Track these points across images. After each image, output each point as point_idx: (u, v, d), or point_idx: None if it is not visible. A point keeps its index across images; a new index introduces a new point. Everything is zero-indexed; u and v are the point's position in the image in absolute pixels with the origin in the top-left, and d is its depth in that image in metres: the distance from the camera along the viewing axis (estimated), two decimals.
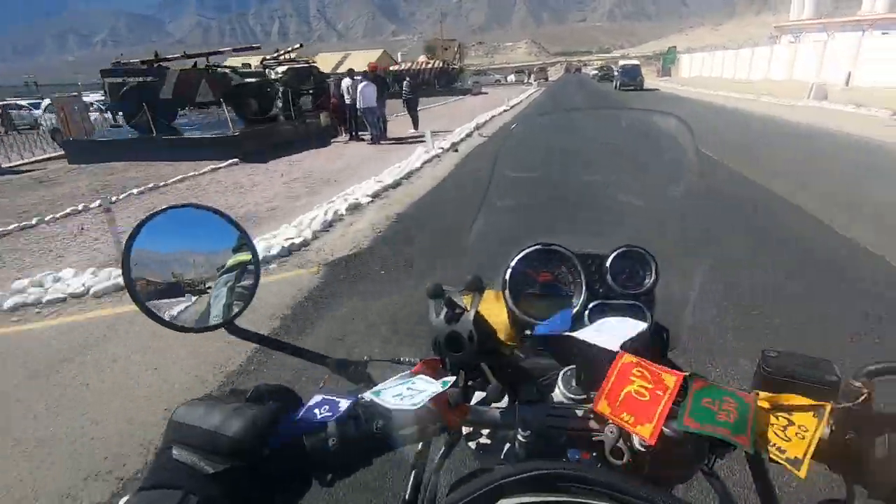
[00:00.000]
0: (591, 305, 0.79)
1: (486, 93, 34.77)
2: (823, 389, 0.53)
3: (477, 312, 0.58)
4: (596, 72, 59.88)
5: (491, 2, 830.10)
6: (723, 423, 0.48)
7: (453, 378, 0.55)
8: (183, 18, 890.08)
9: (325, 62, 59.62)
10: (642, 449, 0.50)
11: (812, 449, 0.47)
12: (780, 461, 0.48)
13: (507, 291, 0.79)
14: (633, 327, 0.60)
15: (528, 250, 0.82)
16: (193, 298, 0.66)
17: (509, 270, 0.81)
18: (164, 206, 0.64)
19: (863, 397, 0.49)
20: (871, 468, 0.48)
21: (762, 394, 0.52)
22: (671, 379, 0.52)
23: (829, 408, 0.49)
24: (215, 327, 0.66)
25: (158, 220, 0.63)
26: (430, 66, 39.30)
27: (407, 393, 0.52)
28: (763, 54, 30.54)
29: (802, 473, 0.46)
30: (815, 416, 0.49)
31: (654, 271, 0.80)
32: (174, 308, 0.65)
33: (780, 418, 0.50)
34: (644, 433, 0.48)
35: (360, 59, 50.65)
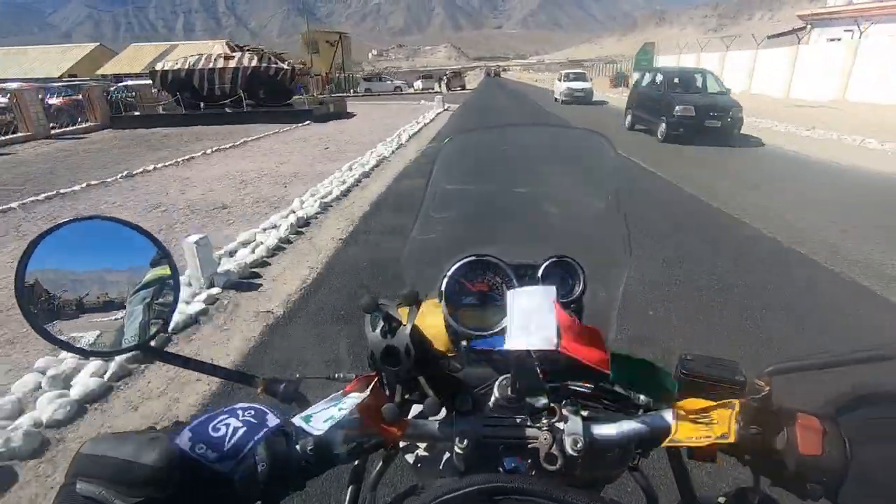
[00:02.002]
0: None
1: (351, 116, 19.14)
2: (733, 388, 0.58)
3: (414, 326, 0.57)
4: (574, 90, 22.49)
5: (410, 5, 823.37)
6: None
7: (374, 381, 0.57)
8: (68, 9, 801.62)
9: (135, 58, 38.42)
10: (574, 454, 0.54)
11: (734, 424, 0.53)
12: (710, 440, 0.53)
13: (443, 302, 0.80)
14: (546, 305, 0.61)
15: (462, 261, 0.84)
16: (103, 319, 0.60)
17: (445, 281, 0.82)
18: (65, 219, 0.58)
19: (763, 394, 0.54)
20: (773, 458, 0.53)
21: (678, 403, 0.58)
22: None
23: (737, 402, 0.55)
24: (128, 350, 0.62)
25: (60, 233, 0.57)
26: (231, 64, 18.59)
27: (338, 415, 0.52)
28: (786, 56, 19.37)
29: (732, 438, 0.52)
30: (728, 409, 0.55)
31: (582, 280, 0.84)
32: (81, 331, 0.59)
33: (700, 418, 0.56)
34: (602, 366, 0.55)
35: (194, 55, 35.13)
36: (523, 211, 1.05)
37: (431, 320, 0.61)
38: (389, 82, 45.44)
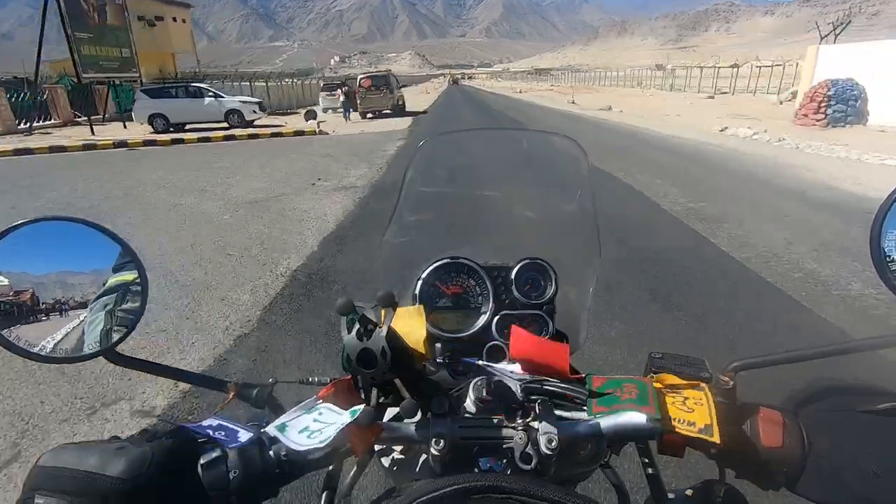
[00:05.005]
0: (497, 316, 0.84)
1: None
2: (699, 383, 0.61)
3: (390, 328, 0.57)
4: None
5: (373, 13, 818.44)
6: (627, 401, 0.55)
7: (360, 406, 0.55)
8: (7, 9, 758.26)
9: None
10: (548, 452, 0.53)
11: (715, 415, 0.53)
12: (692, 435, 0.53)
13: (420, 305, 0.83)
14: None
15: (437, 264, 0.86)
16: (65, 324, 0.58)
17: (420, 283, 0.84)
18: (24, 219, 0.55)
19: (727, 388, 0.56)
20: (738, 451, 0.55)
21: (654, 377, 0.60)
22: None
23: (706, 385, 0.58)
24: (91, 356, 0.59)
25: (20, 233, 0.54)
26: None
27: (314, 426, 0.52)
28: None
29: (717, 438, 0.51)
30: (699, 390, 0.57)
31: (554, 282, 0.86)
32: (40, 336, 0.57)
33: (675, 395, 0.57)
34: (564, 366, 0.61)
35: None
36: (497, 214, 1.04)
37: (408, 325, 0.60)
38: (212, 99, 18.40)
